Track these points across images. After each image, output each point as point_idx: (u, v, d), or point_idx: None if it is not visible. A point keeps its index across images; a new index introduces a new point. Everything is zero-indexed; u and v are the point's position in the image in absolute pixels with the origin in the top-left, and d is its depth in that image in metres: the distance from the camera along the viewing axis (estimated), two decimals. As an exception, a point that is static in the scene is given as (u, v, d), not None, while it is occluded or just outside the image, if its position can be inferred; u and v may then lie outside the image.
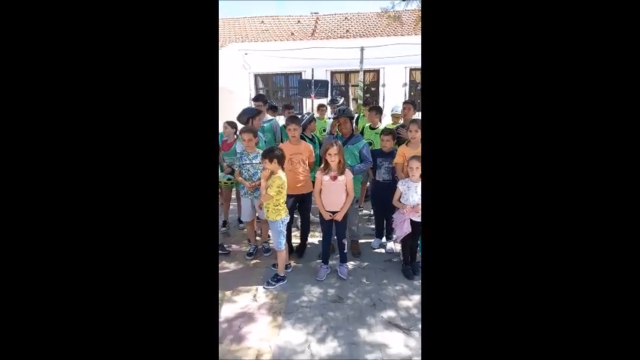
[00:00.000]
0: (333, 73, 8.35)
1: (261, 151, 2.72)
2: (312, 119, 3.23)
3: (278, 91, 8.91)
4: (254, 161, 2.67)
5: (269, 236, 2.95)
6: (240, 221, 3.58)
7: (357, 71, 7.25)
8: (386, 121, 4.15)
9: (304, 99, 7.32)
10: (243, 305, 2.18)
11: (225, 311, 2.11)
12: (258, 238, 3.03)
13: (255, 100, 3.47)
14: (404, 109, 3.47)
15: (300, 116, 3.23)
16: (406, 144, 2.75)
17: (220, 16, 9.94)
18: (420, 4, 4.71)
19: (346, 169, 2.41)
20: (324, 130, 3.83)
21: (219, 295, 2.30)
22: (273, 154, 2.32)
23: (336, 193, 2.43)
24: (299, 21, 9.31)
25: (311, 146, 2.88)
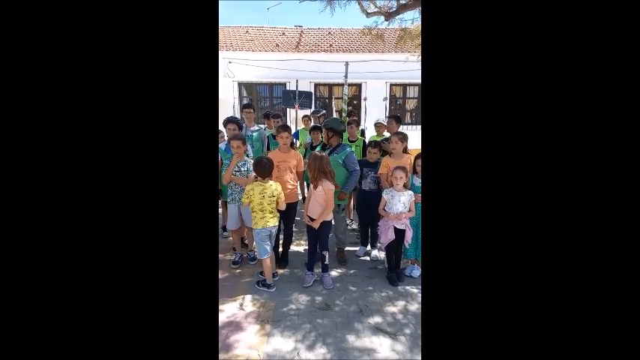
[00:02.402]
0: (316, 85, 8.54)
1: (248, 159, 2.74)
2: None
3: (261, 100, 8.95)
4: (242, 168, 2.67)
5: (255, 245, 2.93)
6: (224, 229, 3.53)
7: (341, 84, 7.47)
8: (370, 133, 4.32)
9: (288, 109, 7.41)
10: (230, 314, 2.14)
11: (212, 320, 2.07)
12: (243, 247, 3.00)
13: (245, 107, 3.51)
14: (388, 122, 3.63)
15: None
16: (389, 155, 2.88)
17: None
18: (401, 24, 5.00)
19: (324, 181, 2.42)
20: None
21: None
22: (257, 166, 2.37)
23: (316, 202, 2.49)
24: (283, 33, 9.48)
25: (300, 155, 2.93)
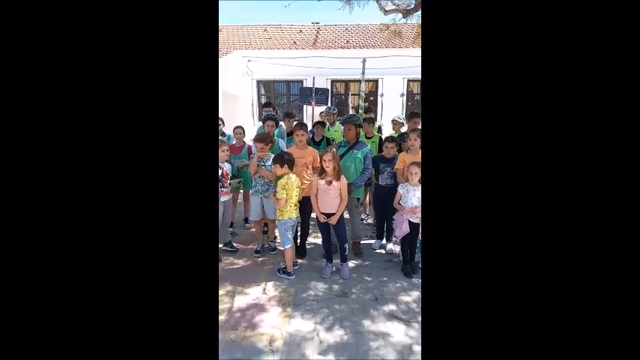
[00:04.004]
0: (333, 82, 8.62)
1: (271, 155, 2.91)
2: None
3: (278, 97, 9.13)
4: (267, 163, 2.84)
5: (275, 236, 3.10)
6: (246, 221, 3.74)
7: (357, 81, 7.51)
8: (387, 130, 4.39)
9: (305, 106, 7.55)
10: (255, 297, 2.33)
11: (238, 302, 2.26)
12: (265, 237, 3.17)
13: (265, 106, 3.68)
14: (410, 121, 3.63)
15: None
16: (406, 151, 2.95)
17: (225, 24, 10.21)
18: (419, 20, 4.99)
19: (342, 176, 2.55)
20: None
21: (231, 288, 2.45)
22: (282, 159, 2.52)
23: (330, 197, 2.57)
24: (301, 30, 9.60)
25: (316, 152, 3.06)
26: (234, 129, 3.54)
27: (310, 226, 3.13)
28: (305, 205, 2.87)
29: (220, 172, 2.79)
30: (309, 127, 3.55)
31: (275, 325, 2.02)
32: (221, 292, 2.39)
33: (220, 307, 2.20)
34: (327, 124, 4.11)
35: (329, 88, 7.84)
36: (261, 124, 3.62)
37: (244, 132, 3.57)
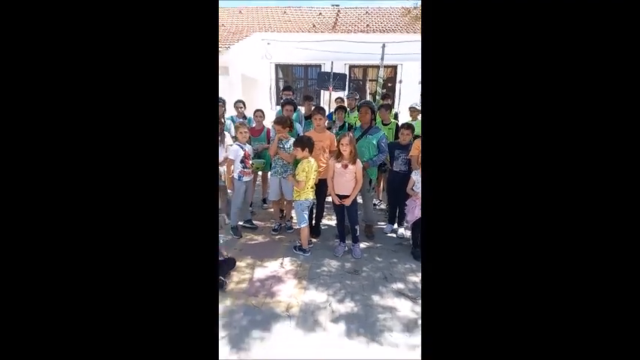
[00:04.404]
0: (351, 67, 8.53)
1: (290, 138, 3.03)
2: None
3: (296, 82, 9.14)
4: (285, 145, 2.97)
5: (292, 217, 3.27)
6: (264, 201, 3.93)
7: (376, 66, 7.41)
8: (404, 117, 4.40)
9: (322, 91, 7.55)
10: (273, 270, 2.52)
11: (258, 273, 2.46)
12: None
13: (285, 89, 3.77)
14: None
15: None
16: (421, 138, 3.01)
17: (244, 5, 10.16)
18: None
19: (357, 160, 2.65)
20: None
21: (251, 260, 2.65)
22: (302, 142, 2.64)
23: (345, 180, 2.69)
24: (320, 13, 9.46)
25: (333, 136, 3.15)
26: (255, 112, 3.67)
27: (325, 209, 3.27)
28: (320, 187, 3.00)
29: (243, 153, 2.95)
30: (328, 112, 3.64)
31: (291, 294, 2.21)
32: (242, 264, 2.60)
33: (241, 277, 2.41)
34: (348, 109, 4.17)
35: (347, 73, 7.78)
36: (279, 107, 3.73)
37: (264, 115, 3.70)
